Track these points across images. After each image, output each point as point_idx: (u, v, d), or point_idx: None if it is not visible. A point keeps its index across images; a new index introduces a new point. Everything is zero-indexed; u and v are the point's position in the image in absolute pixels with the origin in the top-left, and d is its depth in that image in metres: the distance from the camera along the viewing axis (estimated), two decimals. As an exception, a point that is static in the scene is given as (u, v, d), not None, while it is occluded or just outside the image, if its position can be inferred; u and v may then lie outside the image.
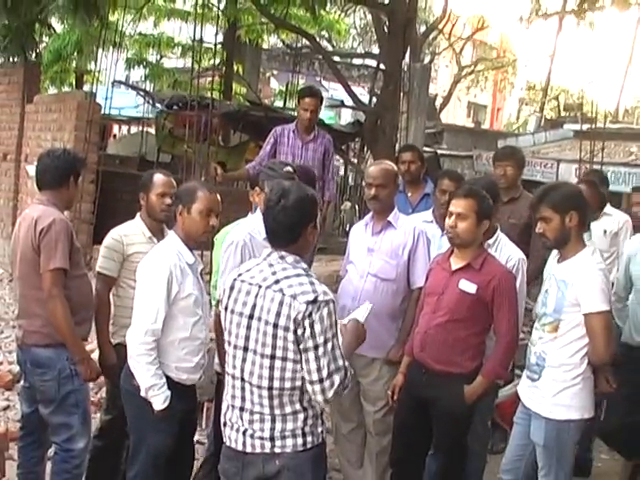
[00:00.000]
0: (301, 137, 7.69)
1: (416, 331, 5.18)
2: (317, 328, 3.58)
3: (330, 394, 3.65)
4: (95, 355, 5.30)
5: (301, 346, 3.60)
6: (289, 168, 5.38)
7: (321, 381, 3.62)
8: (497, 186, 5.82)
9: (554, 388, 4.63)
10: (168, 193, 5.27)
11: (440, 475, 5.19)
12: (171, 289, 4.51)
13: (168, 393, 4.48)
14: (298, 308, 3.58)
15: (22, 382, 5.47)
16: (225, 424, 3.89)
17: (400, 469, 5.33)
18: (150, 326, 4.46)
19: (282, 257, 3.76)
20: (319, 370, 3.61)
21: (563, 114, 26.86)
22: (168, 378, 4.53)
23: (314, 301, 3.59)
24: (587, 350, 4.56)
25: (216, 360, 5.20)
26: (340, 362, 3.67)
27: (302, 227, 3.77)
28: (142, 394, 4.48)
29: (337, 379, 3.64)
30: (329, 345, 3.62)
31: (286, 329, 3.60)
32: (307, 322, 3.57)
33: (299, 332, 3.58)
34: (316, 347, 3.59)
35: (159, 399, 4.46)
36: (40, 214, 4.90)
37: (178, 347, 4.58)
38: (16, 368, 7.28)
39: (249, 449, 3.76)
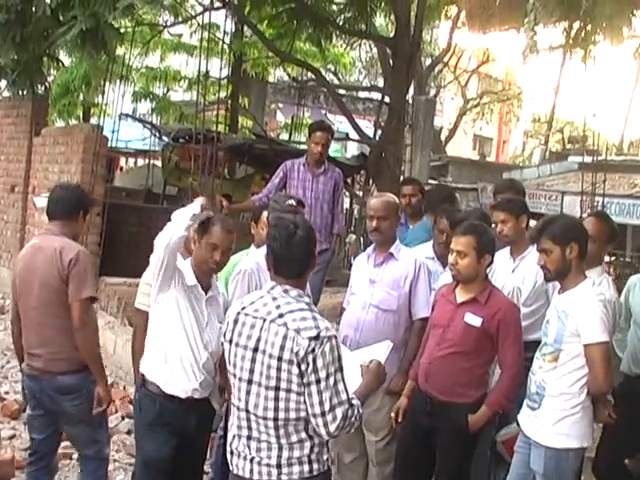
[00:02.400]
0: (311, 170, 7.75)
1: (420, 361, 5.22)
2: (319, 363, 3.63)
3: (333, 427, 3.68)
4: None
5: (304, 380, 3.65)
6: (292, 201, 5.46)
7: (323, 414, 3.66)
8: (489, 217, 5.90)
9: (554, 417, 4.65)
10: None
11: (441, 504, 5.20)
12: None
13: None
14: (301, 343, 3.62)
15: (30, 411, 5.41)
16: (232, 453, 3.92)
17: (401, 498, 5.34)
18: None
19: (286, 291, 3.79)
20: (321, 404, 3.65)
21: (568, 146, 26.96)
22: (161, 392, 4.64)
23: (317, 337, 3.63)
24: (586, 380, 4.59)
25: None
26: (343, 396, 3.69)
27: (312, 260, 3.86)
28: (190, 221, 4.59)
29: (339, 413, 3.66)
30: (331, 380, 3.66)
31: (290, 362, 3.65)
32: (310, 357, 3.62)
33: (302, 367, 3.63)
34: (318, 381, 3.64)
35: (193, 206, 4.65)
36: (63, 245, 4.98)
37: (169, 362, 4.66)
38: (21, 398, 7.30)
39: (256, 476, 3.79)
